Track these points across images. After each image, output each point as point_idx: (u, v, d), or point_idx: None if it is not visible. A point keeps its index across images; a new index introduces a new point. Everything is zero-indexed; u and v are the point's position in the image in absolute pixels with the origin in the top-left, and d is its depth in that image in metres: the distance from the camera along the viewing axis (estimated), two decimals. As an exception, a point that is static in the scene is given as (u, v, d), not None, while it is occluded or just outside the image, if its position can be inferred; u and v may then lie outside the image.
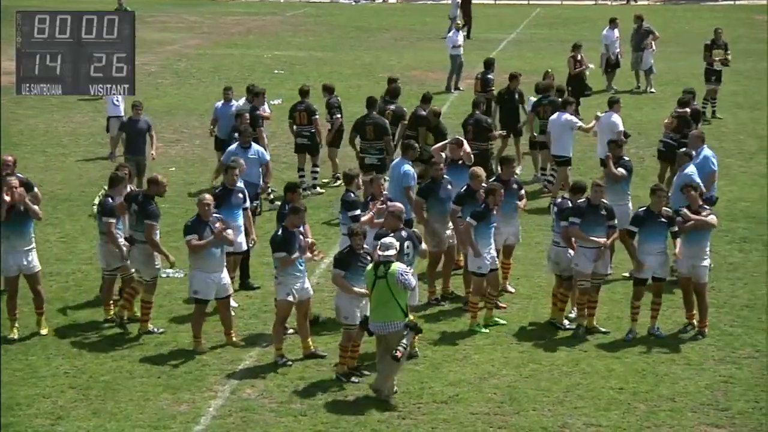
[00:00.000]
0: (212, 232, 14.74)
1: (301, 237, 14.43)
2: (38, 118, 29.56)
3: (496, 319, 15.91)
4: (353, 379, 13.92)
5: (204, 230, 14.74)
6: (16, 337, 15.20)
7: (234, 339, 15.13)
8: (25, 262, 15.12)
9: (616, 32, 33.93)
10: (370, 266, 13.69)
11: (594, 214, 15.45)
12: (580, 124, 21.75)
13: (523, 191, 16.98)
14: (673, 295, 16.69)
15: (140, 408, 13.29)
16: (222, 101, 23.12)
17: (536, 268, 18.12)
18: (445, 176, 16.86)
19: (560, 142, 21.51)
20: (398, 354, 13.16)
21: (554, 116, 21.79)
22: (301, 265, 14.47)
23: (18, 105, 29.75)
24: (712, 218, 15.47)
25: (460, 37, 34.93)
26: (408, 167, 17.26)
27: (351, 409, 13.28)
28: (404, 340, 13.28)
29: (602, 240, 15.40)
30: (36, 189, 16.55)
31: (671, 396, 13.66)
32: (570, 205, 15.61)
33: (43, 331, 15.27)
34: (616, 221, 15.58)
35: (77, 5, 38.94)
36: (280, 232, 14.41)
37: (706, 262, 15.52)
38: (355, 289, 13.87)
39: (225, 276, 15.04)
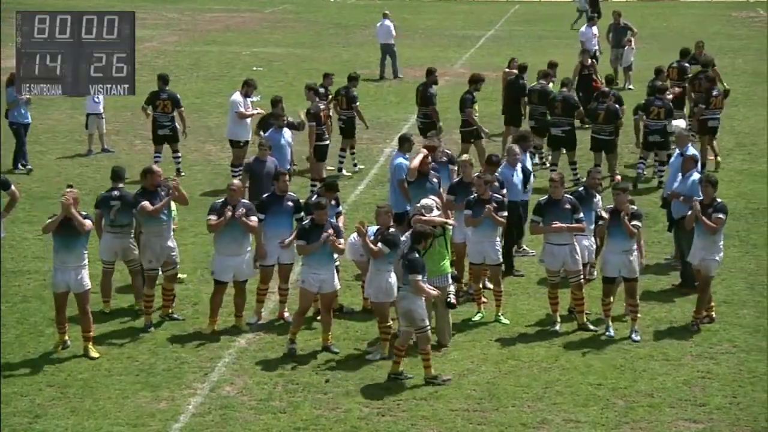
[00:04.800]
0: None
1: (332, 230, 14.57)
2: (15, 116, 29.36)
3: (481, 315, 15.98)
4: (408, 376, 13.97)
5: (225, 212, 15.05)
6: (68, 344, 14.80)
7: (242, 322, 15.48)
8: (74, 280, 14.49)
9: (594, 29, 33.97)
10: None
11: (556, 209, 15.41)
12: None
13: (505, 190, 16.94)
14: (653, 291, 16.79)
15: (119, 406, 13.26)
16: (273, 128, 20.22)
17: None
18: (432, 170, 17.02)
19: None
20: (453, 300, 14.88)
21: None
22: (325, 258, 14.62)
23: (-5, 102, 29.60)
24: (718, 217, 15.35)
25: (391, 29, 36.58)
26: (401, 160, 17.43)
27: (330, 406, 13.28)
28: (450, 288, 14.87)
29: (563, 226, 15.30)
30: (13, 187, 16.47)
31: (649, 392, 13.71)
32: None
33: (94, 355, 14.60)
34: (582, 215, 15.56)
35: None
36: (306, 222, 14.84)
37: (718, 257, 15.50)
38: (431, 291, 14.08)
39: (246, 260, 15.27)
